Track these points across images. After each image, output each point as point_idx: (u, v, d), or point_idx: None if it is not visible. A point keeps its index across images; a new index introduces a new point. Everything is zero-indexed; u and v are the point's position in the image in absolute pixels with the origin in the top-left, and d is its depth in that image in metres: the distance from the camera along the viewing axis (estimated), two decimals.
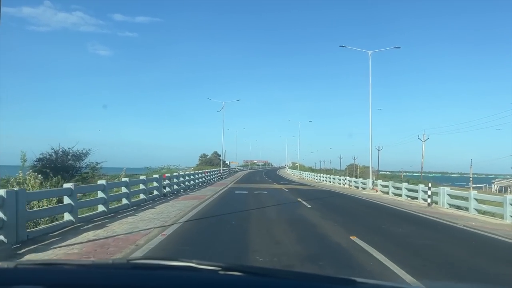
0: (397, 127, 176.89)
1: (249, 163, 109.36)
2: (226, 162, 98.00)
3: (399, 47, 31.88)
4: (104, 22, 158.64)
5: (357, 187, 30.26)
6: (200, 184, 26.50)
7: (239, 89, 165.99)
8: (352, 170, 72.43)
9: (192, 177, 24.40)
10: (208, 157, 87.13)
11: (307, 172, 54.26)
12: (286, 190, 24.64)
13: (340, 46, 30.44)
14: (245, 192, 21.72)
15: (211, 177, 32.92)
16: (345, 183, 34.50)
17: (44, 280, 1.12)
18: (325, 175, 46.71)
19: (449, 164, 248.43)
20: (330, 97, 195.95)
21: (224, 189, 23.33)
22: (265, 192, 22.00)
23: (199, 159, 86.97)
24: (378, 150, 65.24)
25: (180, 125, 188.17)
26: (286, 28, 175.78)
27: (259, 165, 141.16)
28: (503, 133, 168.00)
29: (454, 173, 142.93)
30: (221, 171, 41.52)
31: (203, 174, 29.16)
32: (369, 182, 28.46)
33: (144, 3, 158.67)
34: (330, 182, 40.26)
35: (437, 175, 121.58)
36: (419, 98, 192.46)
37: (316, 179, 46.07)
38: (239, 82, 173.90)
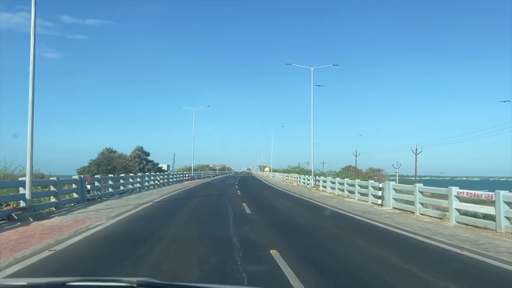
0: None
1: (191, 167, 64.91)
2: (161, 166, 71.29)
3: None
4: (51, 24, 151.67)
5: None
6: None
7: (193, 95, 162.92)
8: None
9: None
10: (115, 154, 59.27)
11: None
12: None
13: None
14: None
15: None
16: None
17: None
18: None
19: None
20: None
21: None
22: None
23: (90, 162, 58.61)
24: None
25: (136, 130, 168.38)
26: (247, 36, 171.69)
27: (215, 170, 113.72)
28: None
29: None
30: None
31: None
32: None
33: (94, 5, 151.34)
34: None
35: (445, 179, 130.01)
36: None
37: None
38: (195, 89, 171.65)
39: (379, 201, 17.32)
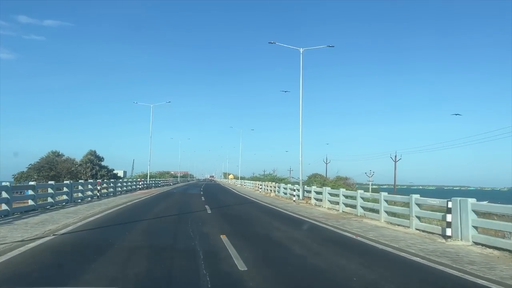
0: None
1: (147, 174, 53.41)
2: (116, 173, 62.21)
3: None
4: (7, 24, 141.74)
5: None
6: None
7: (155, 101, 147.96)
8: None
9: None
10: (61, 158, 50.76)
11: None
12: None
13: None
14: None
15: None
16: None
17: None
18: None
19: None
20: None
21: None
22: None
23: (29, 166, 49.83)
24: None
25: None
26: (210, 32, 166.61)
27: (177, 177, 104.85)
28: None
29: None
30: None
31: None
32: None
33: (53, 6, 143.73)
34: None
35: (402, 187, 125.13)
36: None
37: None
38: (156, 95, 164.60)
39: (449, 231, 10.38)
